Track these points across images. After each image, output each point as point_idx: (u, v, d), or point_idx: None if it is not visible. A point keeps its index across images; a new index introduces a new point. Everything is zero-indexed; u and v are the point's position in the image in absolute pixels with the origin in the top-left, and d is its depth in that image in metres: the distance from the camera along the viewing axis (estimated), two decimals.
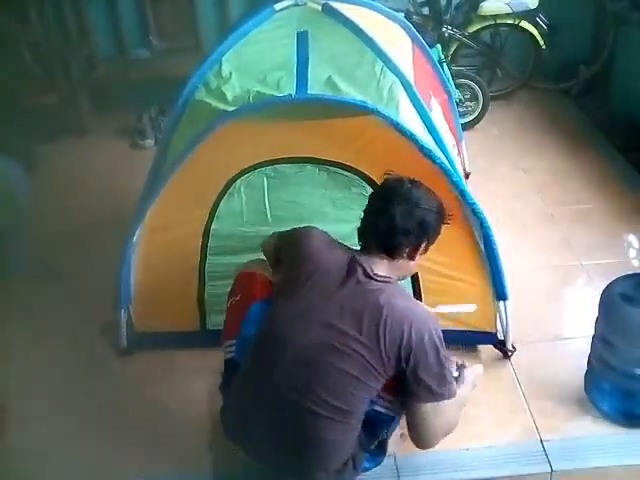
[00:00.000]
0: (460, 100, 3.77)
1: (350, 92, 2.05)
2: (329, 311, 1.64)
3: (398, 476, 1.96)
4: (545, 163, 3.55)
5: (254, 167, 2.14)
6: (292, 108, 2.03)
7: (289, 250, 1.83)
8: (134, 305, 2.36)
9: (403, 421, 1.77)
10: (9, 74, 3.80)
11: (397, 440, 1.88)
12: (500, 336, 2.31)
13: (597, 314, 2.04)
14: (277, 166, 2.15)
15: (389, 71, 2.18)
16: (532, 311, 2.49)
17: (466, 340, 2.34)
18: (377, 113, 1.99)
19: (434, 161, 2.06)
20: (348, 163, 2.12)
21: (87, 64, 4.20)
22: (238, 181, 2.15)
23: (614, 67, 3.96)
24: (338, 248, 1.79)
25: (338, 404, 1.61)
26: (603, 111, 3.87)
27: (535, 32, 4.00)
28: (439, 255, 2.22)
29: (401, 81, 2.18)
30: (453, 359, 1.84)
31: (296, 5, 2.44)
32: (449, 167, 2.09)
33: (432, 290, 2.28)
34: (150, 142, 3.92)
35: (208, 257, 2.31)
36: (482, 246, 2.18)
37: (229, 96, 2.08)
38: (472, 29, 3.99)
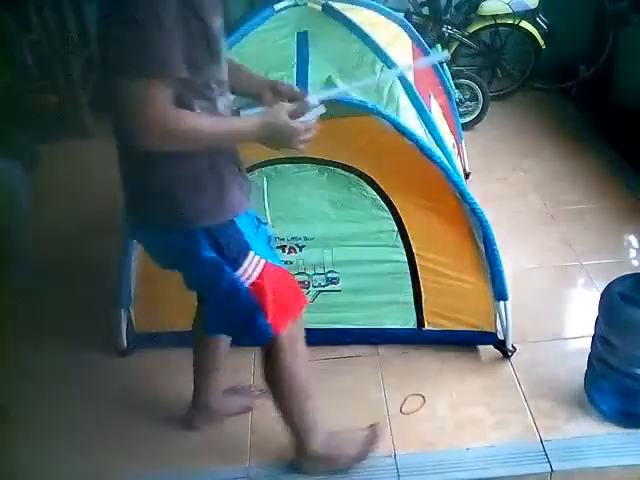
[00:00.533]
0: (460, 100, 3.78)
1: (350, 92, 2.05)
2: None
3: (398, 476, 1.96)
4: (545, 163, 3.55)
5: (254, 167, 2.14)
6: None
7: None
8: (134, 305, 2.36)
9: None
10: (9, 74, 3.81)
11: None
12: (500, 336, 2.31)
13: (597, 314, 2.04)
14: (277, 166, 2.15)
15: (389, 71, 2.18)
16: (532, 311, 2.49)
17: (466, 340, 2.34)
18: (377, 113, 2.00)
19: (434, 161, 2.06)
20: (348, 163, 2.12)
21: (87, 64, 4.20)
22: None
23: (614, 67, 3.96)
24: None
25: None
26: (603, 111, 3.87)
27: (535, 32, 4.00)
28: (439, 255, 2.23)
29: (401, 81, 2.19)
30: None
31: (296, 5, 2.44)
32: (449, 167, 2.09)
33: (432, 290, 2.28)
34: None
35: None
36: (482, 246, 2.18)
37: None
38: (472, 29, 3.99)
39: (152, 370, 2.35)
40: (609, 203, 3.17)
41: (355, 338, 2.39)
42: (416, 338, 2.37)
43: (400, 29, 2.79)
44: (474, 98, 3.90)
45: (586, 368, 2.16)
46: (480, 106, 3.91)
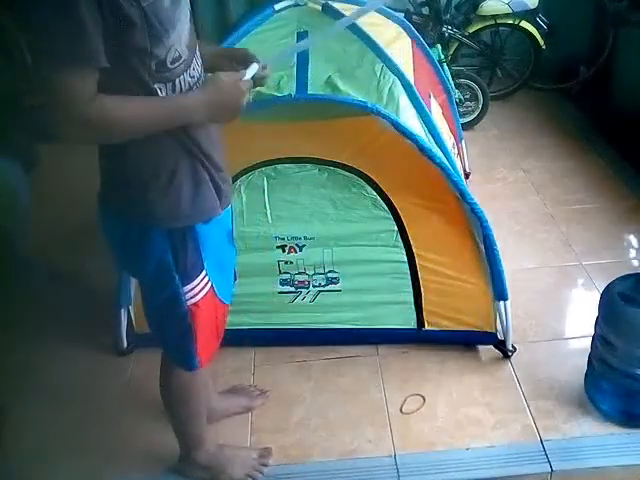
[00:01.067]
0: (460, 100, 3.77)
1: (350, 92, 2.05)
2: None
3: (398, 476, 1.96)
4: (545, 163, 3.55)
5: (254, 167, 2.14)
6: (292, 108, 2.03)
7: None
8: (134, 305, 2.36)
9: None
10: (9, 74, 3.80)
11: None
12: (500, 336, 2.31)
13: (597, 314, 2.04)
14: (277, 166, 2.15)
15: (389, 71, 2.18)
16: (532, 311, 2.49)
17: (466, 340, 2.35)
18: (377, 113, 2.00)
19: (434, 161, 2.06)
20: (348, 163, 2.12)
21: None
22: (238, 181, 2.15)
23: (614, 67, 3.96)
24: None
25: None
26: (603, 111, 3.87)
27: (535, 32, 4.00)
28: (439, 255, 2.23)
29: (401, 81, 2.18)
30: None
31: (296, 5, 2.44)
32: (449, 167, 2.09)
33: (432, 290, 2.28)
34: None
35: None
36: (482, 246, 2.18)
37: None
38: (472, 29, 3.98)
39: (152, 370, 2.34)
40: (609, 203, 3.17)
41: (355, 338, 2.39)
42: (416, 338, 2.37)
43: (400, 29, 2.79)
44: (474, 98, 3.90)
45: (586, 368, 2.16)
46: (480, 106, 3.91)
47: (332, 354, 2.38)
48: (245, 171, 2.16)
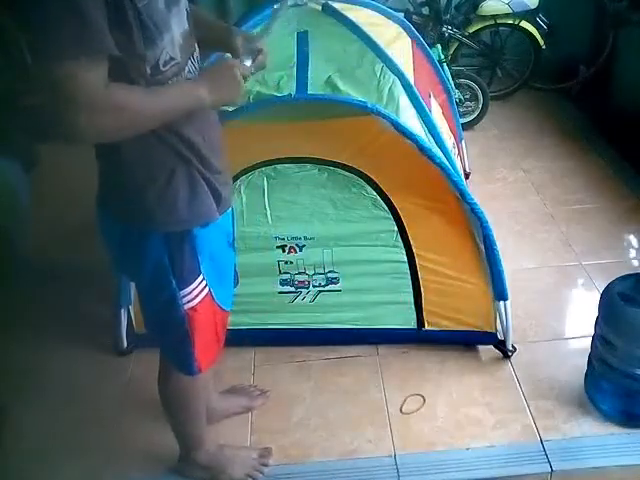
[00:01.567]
0: (460, 100, 3.77)
1: (350, 92, 2.05)
2: None
3: (398, 476, 1.96)
4: (545, 163, 3.55)
5: (254, 167, 2.14)
6: (292, 108, 2.03)
7: None
8: (134, 305, 2.36)
9: None
10: (9, 74, 3.80)
11: None
12: (500, 336, 2.31)
13: (597, 314, 2.04)
14: (277, 166, 2.15)
15: (389, 71, 2.18)
16: (532, 311, 2.49)
17: (466, 340, 2.35)
18: (377, 113, 2.00)
19: (434, 161, 2.06)
20: (348, 163, 2.12)
21: None
22: (238, 181, 2.15)
23: (614, 67, 3.96)
24: None
25: None
26: (603, 111, 3.87)
27: (535, 32, 4.00)
28: (439, 255, 2.23)
29: (401, 81, 2.18)
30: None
31: (296, 5, 2.44)
32: (449, 167, 2.09)
33: (432, 290, 2.28)
34: None
35: None
36: (482, 246, 2.18)
37: None
38: (472, 29, 3.98)
39: (152, 370, 2.34)
40: (609, 203, 3.16)
41: (355, 338, 2.39)
42: (416, 338, 2.37)
43: (400, 29, 2.79)
44: (474, 98, 3.90)
45: (586, 368, 2.16)
46: (480, 106, 3.91)
47: (332, 354, 2.38)
48: (245, 171, 2.16)
